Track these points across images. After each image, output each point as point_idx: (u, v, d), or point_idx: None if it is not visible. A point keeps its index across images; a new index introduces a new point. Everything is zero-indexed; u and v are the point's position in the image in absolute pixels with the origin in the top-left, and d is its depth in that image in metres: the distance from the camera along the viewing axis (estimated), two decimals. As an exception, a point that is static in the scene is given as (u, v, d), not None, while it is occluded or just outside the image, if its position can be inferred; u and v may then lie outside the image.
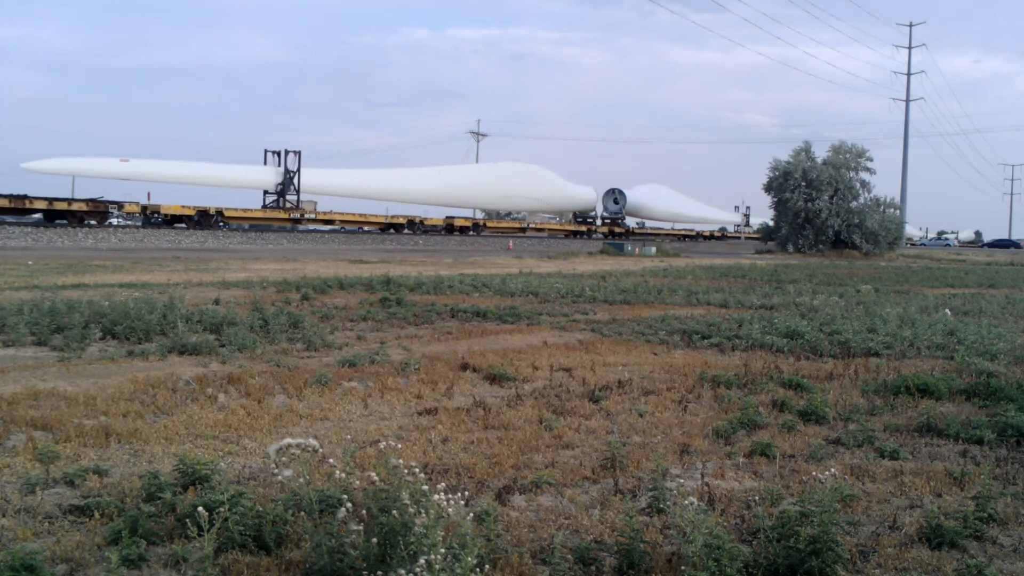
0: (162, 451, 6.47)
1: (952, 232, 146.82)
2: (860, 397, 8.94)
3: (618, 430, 7.41)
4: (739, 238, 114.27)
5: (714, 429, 7.37)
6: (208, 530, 4.12)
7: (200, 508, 4.22)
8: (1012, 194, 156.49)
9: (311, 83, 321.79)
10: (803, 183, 69.18)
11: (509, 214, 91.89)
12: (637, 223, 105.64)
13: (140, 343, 11.38)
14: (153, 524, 4.79)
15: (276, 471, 5.37)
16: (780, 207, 70.70)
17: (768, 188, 71.70)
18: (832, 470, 5.06)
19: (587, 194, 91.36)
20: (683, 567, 4.19)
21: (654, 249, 58.25)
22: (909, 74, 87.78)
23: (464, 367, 10.07)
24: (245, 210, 58.64)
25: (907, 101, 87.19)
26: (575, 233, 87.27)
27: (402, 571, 3.55)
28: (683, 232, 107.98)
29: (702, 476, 5.97)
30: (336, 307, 16.20)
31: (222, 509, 4.49)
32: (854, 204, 69.24)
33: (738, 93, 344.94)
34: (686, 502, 4.38)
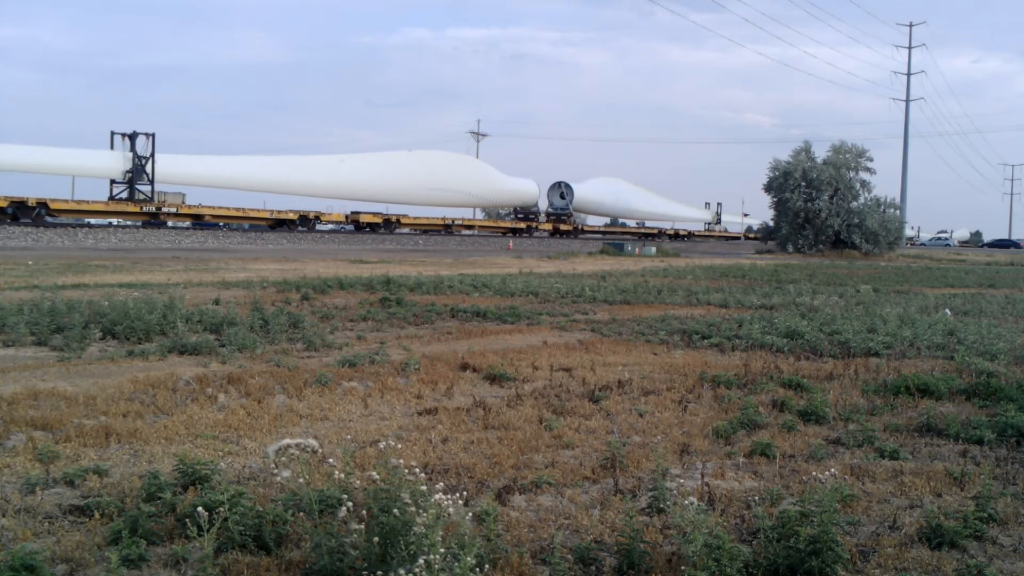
0: (162, 451, 6.47)
1: (945, 232, 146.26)
2: (860, 397, 8.94)
3: (618, 430, 7.41)
4: (710, 238, 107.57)
5: (714, 429, 7.37)
6: (208, 530, 4.12)
7: (200, 508, 4.22)
8: (1012, 194, 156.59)
9: (311, 83, 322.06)
10: (803, 183, 69.20)
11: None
12: (592, 220, 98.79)
13: (140, 343, 11.38)
14: (153, 524, 4.79)
15: (275, 471, 5.38)
16: (780, 207, 70.70)
17: (768, 188, 71.71)
18: (832, 470, 5.06)
19: (528, 188, 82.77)
20: (683, 567, 4.19)
21: (654, 249, 58.28)
22: (909, 74, 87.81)
23: (464, 367, 10.06)
24: (80, 202, 49.56)
25: (907, 101, 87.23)
26: (512, 231, 78.25)
27: (402, 571, 3.55)
28: (644, 231, 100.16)
29: (702, 476, 5.97)
30: (336, 307, 16.20)
31: (222, 509, 4.49)
32: (854, 204, 69.26)
33: (738, 93, 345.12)
34: (686, 502, 4.38)
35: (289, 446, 5.59)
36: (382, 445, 5.83)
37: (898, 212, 73.66)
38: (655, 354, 11.58)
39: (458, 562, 3.65)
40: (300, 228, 58.24)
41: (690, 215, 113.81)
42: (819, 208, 68.13)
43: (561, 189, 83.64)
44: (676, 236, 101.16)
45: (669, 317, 15.69)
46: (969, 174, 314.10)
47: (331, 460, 5.68)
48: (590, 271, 32.07)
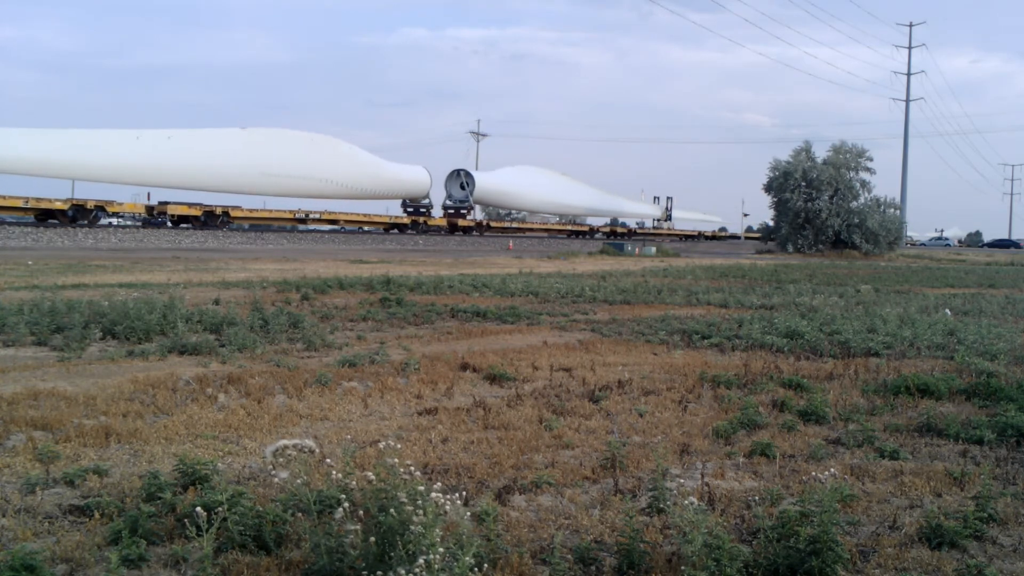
0: (162, 451, 6.47)
1: (938, 230, 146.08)
2: (860, 397, 8.93)
3: (618, 430, 7.40)
4: (658, 236, 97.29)
5: (714, 429, 7.37)
6: (208, 530, 4.11)
7: (200, 508, 4.22)
8: (1012, 194, 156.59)
9: (311, 83, 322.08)
10: (803, 183, 69.23)
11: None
12: (502, 214, 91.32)
13: (140, 343, 11.38)
14: (153, 524, 4.79)
15: (273, 472, 5.38)
16: (780, 207, 70.75)
17: (768, 188, 71.75)
18: (832, 470, 5.06)
19: (415, 176, 70.70)
20: (683, 567, 4.19)
21: (654, 249, 58.29)
22: (909, 74, 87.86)
23: (464, 367, 10.06)
24: None
25: (907, 101, 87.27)
26: (393, 227, 67.87)
27: (401, 571, 3.55)
28: (572, 228, 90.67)
29: (702, 476, 5.97)
30: (336, 307, 16.20)
31: (221, 509, 4.48)
32: (854, 204, 69.30)
33: (738, 93, 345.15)
34: (686, 502, 4.38)
35: (287, 447, 5.59)
36: (382, 445, 5.83)
37: (898, 212, 73.70)
38: (655, 354, 11.57)
39: (457, 562, 3.65)
40: (81, 223, 45.39)
41: (636, 210, 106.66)
42: (819, 208, 68.16)
43: (461, 179, 73.27)
44: (614, 234, 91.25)
45: (669, 317, 15.69)
46: (969, 174, 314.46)
47: (330, 460, 5.67)
48: (590, 271, 32.07)
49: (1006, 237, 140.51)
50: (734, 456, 6.66)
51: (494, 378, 9.49)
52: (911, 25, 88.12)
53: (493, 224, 78.22)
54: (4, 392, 8.09)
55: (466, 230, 72.70)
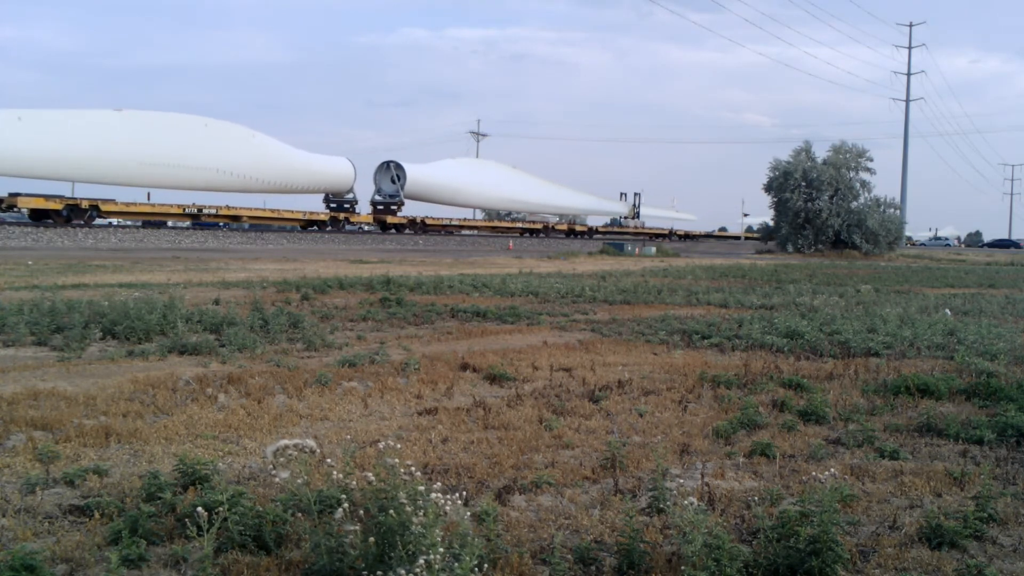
0: (162, 451, 6.47)
1: (931, 229, 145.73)
2: (860, 397, 8.93)
3: (618, 430, 7.40)
4: (623, 235, 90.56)
5: (714, 429, 7.37)
6: (208, 530, 4.12)
7: (200, 508, 4.22)
8: (1012, 194, 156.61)
9: (311, 83, 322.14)
10: (803, 183, 69.27)
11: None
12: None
13: (140, 343, 11.38)
14: (153, 524, 4.79)
15: (273, 472, 5.37)
16: (780, 207, 70.78)
17: (768, 188, 71.79)
18: (832, 470, 5.06)
19: (337, 168, 63.73)
20: (683, 567, 4.19)
21: (654, 249, 58.30)
22: (909, 74, 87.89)
23: (464, 367, 10.06)
24: None
25: (907, 101, 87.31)
26: (311, 224, 61.09)
27: (401, 571, 3.55)
28: (523, 225, 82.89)
29: (702, 476, 5.97)
30: (336, 307, 16.20)
31: (222, 509, 4.48)
32: (854, 204, 69.34)
33: (737, 93, 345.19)
34: (686, 502, 4.37)
35: (287, 447, 5.59)
36: (382, 445, 5.83)
37: (898, 212, 73.73)
38: (655, 354, 11.57)
39: (458, 562, 3.65)
40: None
41: (598, 207, 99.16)
42: (819, 208, 68.18)
43: (392, 172, 66.50)
44: (572, 233, 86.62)
45: (669, 317, 15.69)
46: (969, 174, 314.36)
47: (330, 460, 5.67)
48: (590, 271, 32.07)
49: (1006, 237, 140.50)
50: (734, 456, 6.66)
51: (494, 378, 9.49)
52: (911, 25, 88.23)
53: (431, 222, 69.98)
54: (4, 392, 8.09)
55: (398, 228, 65.94)
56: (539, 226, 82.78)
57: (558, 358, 10.92)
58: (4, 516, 5.04)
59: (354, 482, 5.00)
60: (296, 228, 61.20)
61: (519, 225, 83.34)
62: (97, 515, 4.99)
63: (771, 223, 75.48)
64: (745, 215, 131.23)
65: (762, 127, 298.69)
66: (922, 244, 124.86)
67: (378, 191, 67.29)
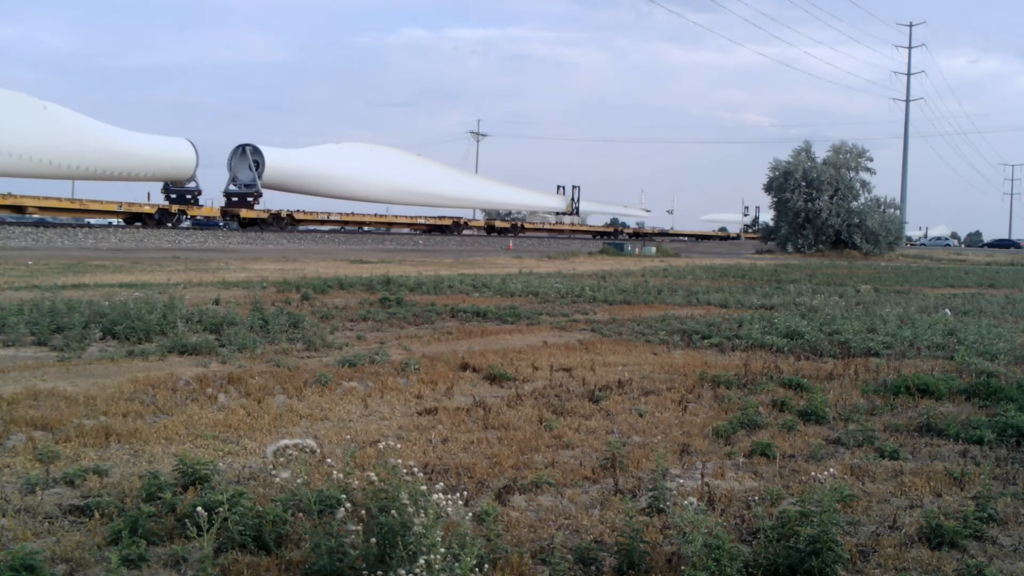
0: (162, 451, 6.47)
1: (922, 228, 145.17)
2: (860, 397, 8.93)
3: (618, 430, 7.40)
4: (559, 233, 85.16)
5: (714, 429, 7.37)
6: (208, 530, 4.12)
7: (200, 508, 4.22)
8: (1012, 194, 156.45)
9: (311, 83, 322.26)
10: (803, 183, 69.22)
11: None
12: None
13: (140, 343, 11.38)
14: (153, 524, 4.79)
15: (274, 472, 5.38)
16: (780, 207, 70.73)
17: (768, 188, 71.74)
18: (832, 470, 5.07)
19: (174, 152, 53.44)
20: (683, 567, 4.19)
21: (654, 249, 58.30)
22: (909, 74, 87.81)
23: (464, 367, 10.06)
24: None
25: (907, 101, 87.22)
26: (136, 218, 51.28)
27: (402, 571, 3.55)
28: (409, 222, 71.54)
29: (702, 476, 5.97)
30: (336, 307, 16.20)
31: (222, 509, 4.49)
32: (854, 204, 69.30)
33: (737, 93, 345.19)
34: (686, 502, 4.37)
35: (287, 447, 5.59)
36: (382, 445, 5.83)
37: (898, 212, 73.69)
38: (655, 354, 11.57)
39: (458, 562, 3.65)
40: None
41: (528, 202, 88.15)
42: (819, 208, 68.14)
43: (249, 158, 56.30)
44: (491, 229, 77.26)
45: (669, 317, 15.69)
46: (969, 174, 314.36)
47: (330, 460, 5.67)
48: (590, 271, 32.07)
49: (1006, 237, 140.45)
50: (734, 456, 6.66)
51: (494, 378, 9.49)
52: (911, 25, 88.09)
53: (300, 216, 60.80)
54: (4, 392, 8.09)
55: (259, 224, 56.38)
56: (448, 222, 72.38)
57: (558, 358, 10.92)
58: (4, 516, 5.04)
59: (354, 482, 5.00)
60: (118, 223, 52.17)
61: (421, 221, 71.82)
62: (97, 515, 4.99)
63: (771, 223, 75.36)
64: (745, 215, 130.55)
65: (762, 127, 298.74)
66: (922, 244, 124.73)
67: (233, 180, 56.91)
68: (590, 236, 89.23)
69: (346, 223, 66.08)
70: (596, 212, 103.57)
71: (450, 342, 12.33)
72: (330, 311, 15.49)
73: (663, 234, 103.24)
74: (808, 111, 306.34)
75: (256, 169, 56.37)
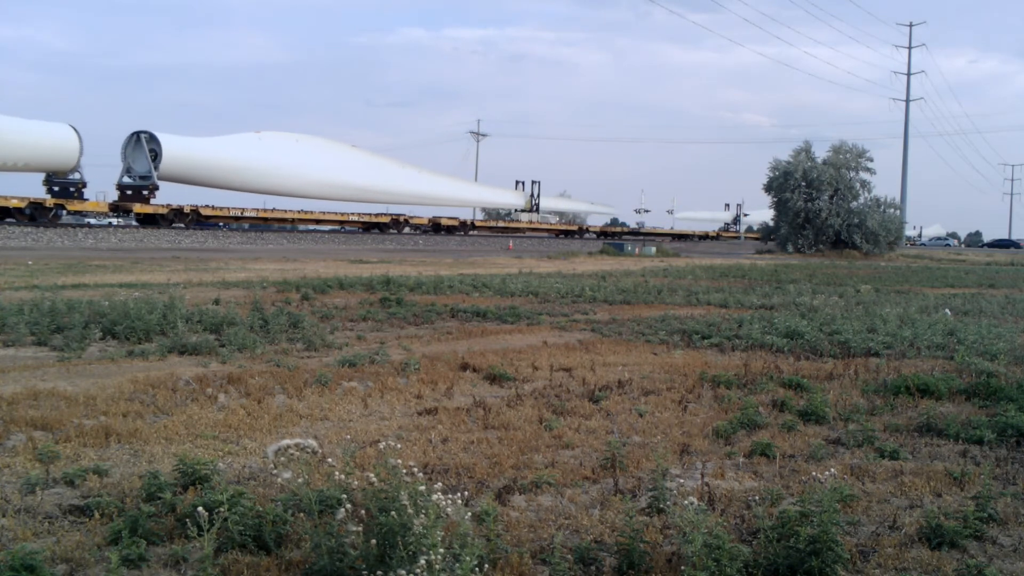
0: (162, 451, 6.47)
1: (914, 228, 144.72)
2: (860, 397, 8.94)
3: (618, 430, 7.40)
4: (515, 231, 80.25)
5: (714, 429, 7.37)
6: (208, 530, 4.12)
7: (200, 508, 4.22)
8: (1012, 194, 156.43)
9: (310, 83, 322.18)
10: (803, 183, 69.22)
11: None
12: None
13: (140, 343, 11.38)
14: (153, 524, 4.79)
15: (275, 472, 5.38)
16: (780, 207, 70.72)
17: (768, 188, 71.74)
18: (832, 470, 5.06)
19: (51, 139, 47.34)
20: (683, 567, 4.19)
21: (654, 249, 58.30)
22: (909, 74, 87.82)
23: (464, 367, 10.06)
24: None
25: (907, 101, 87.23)
26: (4, 214, 44.93)
27: (402, 571, 3.55)
28: (340, 219, 65.81)
29: (702, 476, 5.97)
30: (336, 307, 16.19)
31: (222, 509, 4.49)
32: (854, 204, 69.31)
33: (736, 93, 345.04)
34: (686, 502, 4.37)
35: (288, 446, 5.59)
36: (382, 445, 5.82)
37: (898, 212, 73.69)
38: (655, 354, 11.57)
39: (459, 562, 3.65)
40: None
41: (481, 198, 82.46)
42: (819, 208, 68.16)
43: (145, 147, 50.78)
44: (438, 228, 72.45)
45: (669, 317, 15.69)
46: (969, 174, 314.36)
47: (331, 460, 5.67)
48: (590, 271, 32.07)
49: (1006, 237, 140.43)
50: (734, 456, 6.66)
51: (494, 378, 9.49)
52: (911, 25, 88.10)
53: (208, 212, 54.60)
54: (4, 392, 8.09)
55: (158, 220, 50.77)
56: (386, 219, 67.25)
57: (558, 358, 10.92)
58: (4, 516, 5.04)
59: (355, 482, 5.00)
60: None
61: (354, 218, 66.48)
62: (97, 515, 4.99)
63: (771, 223, 75.31)
64: (745, 215, 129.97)
65: (761, 127, 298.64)
66: (922, 244, 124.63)
67: (128, 171, 51.33)
68: (552, 235, 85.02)
69: (265, 220, 60.28)
70: (558, 209, 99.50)
71: (450, 342, 12.33)
72: (330, 311, 15.49)
73: (635, 233, 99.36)
74: (808, 111, 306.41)
75: (154, 159, 50.90)
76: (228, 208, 56.53)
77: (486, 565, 4.05)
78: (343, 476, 4.78)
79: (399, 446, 5.89)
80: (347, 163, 66.09)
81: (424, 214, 73.76)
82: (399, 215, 69.59)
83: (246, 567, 4.41)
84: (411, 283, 22.12)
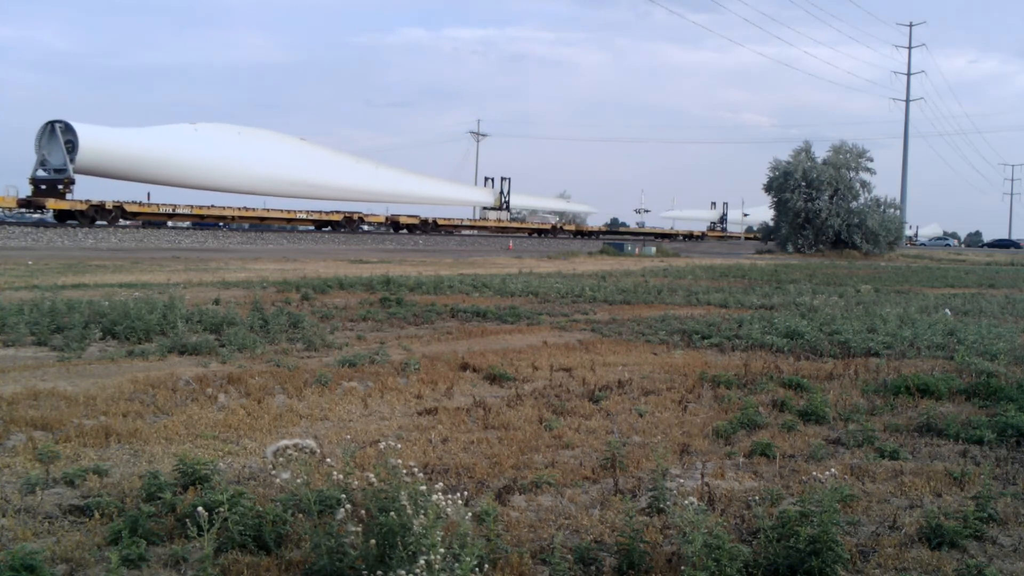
0: (162, 451, 6.47)
1: (910, 227, 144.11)
2: (860, 397, 8.93)
3: (618, 430, 7.40)
4: (484, 230, 76.55)
5: (714, 429, 7.37)
6: (208, 530, 4.12)
7: (200, 508, 4.22)
8: (1012, 194, 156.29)
9: (310, 83, 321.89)
10: (803, 183, 69.21)
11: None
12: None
13: (140, 343, 11.38)
14: (153, 524, 4.79)
15: (274, 472, 5.37)
16: (780, 207, 70.70)
17: (768, 188, 71.72)
18: (832, 470, 5.06)
19: None
20: (683, 567, 4.19)
21: (654, 249, 58.29)
22: (909, 74, 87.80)
23: (464, 367, 10.06)
24: None
25: (907, 101, 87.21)
26: None
27: (402, 571, 3.55)
28: (287, 217, 61.43)
29: (702, 476, 5.97)
30: (336, 307, 16.19)
31: (222, 509, 4.49)
32: (854, 204, 69.29)
33: (736, 93, 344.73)
34: (686, 502, 4.37)
35: (287, 447, 5.59)
36: (382, 445, 5.82)
37: (898, 212, 73.67)
38: (655, 354, 11.57)
39: (458, 562, 3.65)
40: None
41: (446, 195, 77.23)
42: (819, 208, 68.15)
43: (60, 138, 46.81)
44: (395, 226, 68.58)
45: (669, 317, 15.69)
46: (969, 174, 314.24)
47: (330, 460, 5.67)
48: (590, 271, 32.07)
49: (1006, 237, 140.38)
50: (734, 456, 6.66)
51: (494, 378, 9.49)
52: (911, 25, 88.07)
53: (134, 209, 50.46)
54: (4, 392, 8.09)
55: (77, 216, 46.82)
56: (339, 217, 63.49)
57: (558, 358, 10.92)
58: (4, 516, 5.04)
59: (354, 482, 5.00)
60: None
61: (302, 216, 62.49)
62: (97, 515, 4.99)
63: (771, 223, 75.30)
64: (745, 215, 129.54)
65: (761, 127, 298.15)
66: (921, 244, 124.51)
67: (42, 164, 47.53)
68: (528, 233, 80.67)
69: (202, 217, 55.97)
70: (530, 207, 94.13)
71: (450, 342, 12.33)
72: (330, 311, 15.49)
73: (612, 232, 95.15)
74: (808, 111, 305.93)
75: (70, 151, 46.82)
76: (158, 205, 52.42)
77: (486, 565, 4.05)
78: (342, 476, 4.78)
79: (399, 446, 5.89)
80: (297, 158, 62.28)
81: (388, 212, 70.23)
82: (353, 213, 65.34)
83: (246, 567, 4.41)
84: (411, 283, 22.13)
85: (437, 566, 3.57)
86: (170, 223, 55.90)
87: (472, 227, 76.83)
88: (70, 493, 5.48)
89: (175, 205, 53.55)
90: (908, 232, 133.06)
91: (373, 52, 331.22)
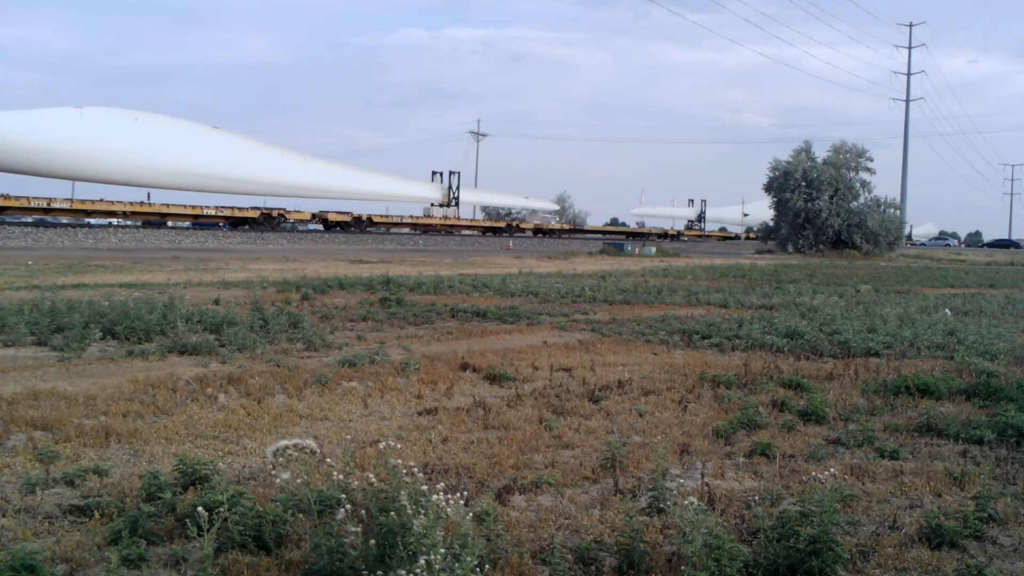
0: (162, 451, 6.47)
1: (907, 227, 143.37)
2: (860, 397, 8.93)
3: (618, 430, 7.40)
4: (435, 226, 72.49)
5: (714, 429, 7.37)
6: (208, 530, 4.12)
7: (200, 508, 4.22)
8: (1012, 194, 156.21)
9: (310, 83, 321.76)
10: (803, 183, 69.23)
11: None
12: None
13: (140, 343, 11.38)
14: (153, 524, 4.79)
15: (274, 472, 5.37)
16: (780, 207, 70.72)
17: (768, 188, 71.73)
18: (832, 470, 5.06)
19: None
20: (683, 567, 4.19)
21: (654, 249, 58.30)
22: (909, 74, 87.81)
23: (464, 367, 10.06)
24: None
25: (907, 101, 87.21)
26: None
27: (402, 571, 3.55)
28: (192, 213, 55.36)
29: (702, 476, 5.97)
30: (336, 307, 16.20)
31: (222, 509, 4.49)
32: (854, 204, 69.32)
33: (736, 93, 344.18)
34: (686, 502, 4.37)
35: (287, 447, 5.59)
36: (382, 445, 5.82)
37: (898, 212, 73.68)
38: (655, 354, 11.57)
39: (459, 562, 3.65)
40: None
41: (385, 190, 71.26)
42: (819, 208, 68.17)
43: None
44: (330, 225, 64.10)
45: (669, 317, 15.69)
46: (969, 174, 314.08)
47: (330, 460, 5.67)
48: (590, 271, 32.07)
49: (1006, 237, 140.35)
50: (734, 456, 6.66)
51: (494, 378, 9.49)
52: (911, 25, 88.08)
53: (7, 204, 45.75)
54: (4, 392, 8.09)
55: None
56: (256, 215, 58.21)
57: (558, 358, 10.92)
58: (4, 516, 5.04)
59: (354, 482, 5.00)
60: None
61: (210, 212, 55.92)
62: (97, 515, 4.99)
63: (771, 223, 75.30)
64: (745, 215, 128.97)
65: (761, 127, 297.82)
66: (921, 244, 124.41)
67: None
68: (481, 231, 76.00)
69: (88, 213, 50.60)
70: (484, 203, 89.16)
71: (450, 342, 12.33)
72: (330, 311, 15.50)
73: (575, 231, 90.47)
74: (808, 111, 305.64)
75: None
76: (28, 198, 46.31)
77: (486, 565, 4.05)
78: (342, 476, 4.78)
79: (399, 446, 5.89)
80: (210, 149, 55.34)
81: (314, 208, 64.53)
82: (272, 209, 59.52)
83: (246, 567, 4.41)
84: (411, 283, 22.13)
85: (437, 566, 3.57)
86: (49, 218, 50.49)
87: (415, 224, 71.88)
88: (70, 493, 5.48)
89: (50, 199, 47.53)
90: (904, 230, 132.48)
91: (373, 52, 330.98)
